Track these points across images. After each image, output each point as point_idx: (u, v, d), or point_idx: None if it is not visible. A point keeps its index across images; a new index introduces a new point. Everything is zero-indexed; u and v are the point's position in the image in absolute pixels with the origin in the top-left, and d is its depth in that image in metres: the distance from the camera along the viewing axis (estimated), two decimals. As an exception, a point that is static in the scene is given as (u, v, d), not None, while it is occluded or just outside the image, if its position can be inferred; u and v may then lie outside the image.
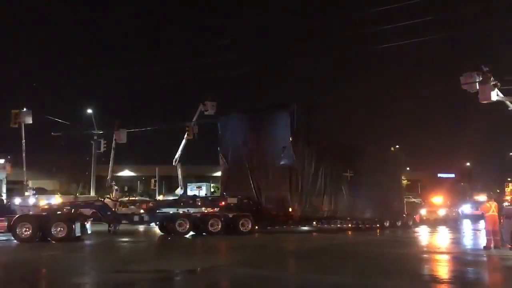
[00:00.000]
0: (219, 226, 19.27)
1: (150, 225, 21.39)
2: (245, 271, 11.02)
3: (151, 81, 53.68)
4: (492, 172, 55.15)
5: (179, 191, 28.32)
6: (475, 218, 30.69)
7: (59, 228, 16.37)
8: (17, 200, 21.16)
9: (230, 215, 19.80)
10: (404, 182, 31.05)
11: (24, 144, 25.26)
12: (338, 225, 23.26)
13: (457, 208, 34.43)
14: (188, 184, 36.51)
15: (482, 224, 20.94)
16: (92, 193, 35.18)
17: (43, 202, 21.62)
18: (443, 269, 12.46)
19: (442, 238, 21.86)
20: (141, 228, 22.64)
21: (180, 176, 28.19)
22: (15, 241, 16.35)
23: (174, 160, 28.00)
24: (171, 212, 20.17)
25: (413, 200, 34.48)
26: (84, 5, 79.30)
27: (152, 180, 44.05)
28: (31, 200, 22.04)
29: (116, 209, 20.36)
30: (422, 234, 23.35)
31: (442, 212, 31.80)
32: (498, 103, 17.03)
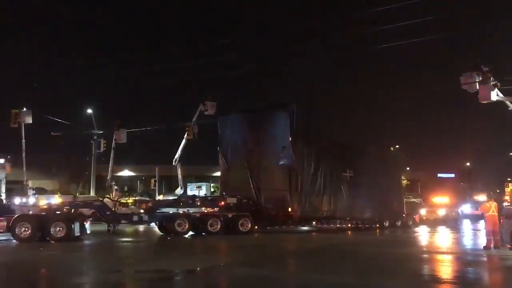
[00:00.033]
0: (219, 226, 19.26)
1: (150, 225, 21.37)
2: (244, 271, 11.01)
3: (151, 81, 53.70)
4: (492, 172, 55.13)
5: (179, 191, 28.30)
6: (475, 218, 30.70)
7: (58, 228, 16.37)
8: (17, 200, 21.14)
9: (230, 215, 19.80)
10: (404, 182, 31.05)
11: (24, 144, 25.25)
12: (338, 225, 23.25)
13: (457, 208, 34.41)
14: (188, 184, 36.51)
15: (482, 224, 20.94)
16: (92, 193, 35.16)
17: (43, 202, 21.59)
18: (443, 269, 12.46)
19: (442, 238, 21.86)
20: (141, 228, 22.63)
21: (180, 176, 28.17)
22: (15, 241, 16.34)
23: (174, 160, 27.99)
24: (170, 212, 20.15)
25: (413, 200, 34.47)
26: (84, 5, 79.29)
27: (152, 180, 44.04)
28: (31, 200, 22.01)
29: (116, 209, 20.33)
30: (422, 234, 23.34)
31: (442, 212, 31.78)
32: (498, 103, 16.99)
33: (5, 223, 16.33)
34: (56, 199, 25.24)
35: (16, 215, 16.72)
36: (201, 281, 10.36)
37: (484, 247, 14.97)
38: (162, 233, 20.17)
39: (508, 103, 16.96)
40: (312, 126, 22.03)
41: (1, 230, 16.47)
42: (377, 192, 23.95)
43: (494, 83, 16.49)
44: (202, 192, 37.58)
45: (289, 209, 20.85)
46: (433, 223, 29.09)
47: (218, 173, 31.11)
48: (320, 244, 18.18)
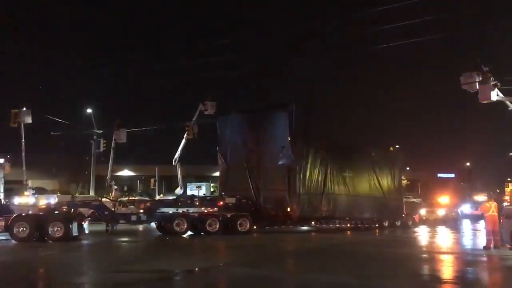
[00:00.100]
0: (217, 226, 19.21)
1: (150, 224, 21.30)
2: (243, 271, 10.98)
3: (151, 81, 53.66)
4: (492, 172, 55.12)
5: (178, 191, 28.24)
6: (474, 218, 30.65)
7: (56, 228, 16.31)
8: (16, 200, 21.11)
9: (228, 215, 19.75)
10: (404, 182, 30.94)
11: (23, 143, 25.16)
12: (337, 225, 23.20)
13: (456, 208, 34.35)
14: (188, 184, 36.46)
15: (481, 224, 20.88)
16: (92, 193, 35.13)
17: (43, 201, 21.55)
18: (442, 269, 12.44)
19: (441, 238, 21.80)
20: (140, 227, 22.57)
21: (179, 176, 28.12)
22: (13, 241, 16.29)
23: (173, 160, 27.93)
24: (169, 212, 20.10)
25: (412, 200, 34.40)
26: (84, 5, 79.34)
27: (152, 180, 44.04)
28: (31, 200, 21.96)
29: (115, 209, 20.27)
30: (422, 234, 23.29)
31: (441, 212, 31.72)
32: (498, 103, 16.95)
33: (3, 222, 16.29)
34: (56, 199, 25.27)
35: (14, 215, 16.66)
36: (200, 281, 10.33)
37: (484, 247, 14.94)
38: (160, 233, 20.12)
39: (508, 103, 16.93)
40: (311, 126, 22.00)
41: (0, 230, 16.42)
42: (376, 192, 23.90)
43: (494, 83, 16.46)
44: (202, 192, 37.53)
45: (288, 209, 20.82)
46: (433, 223, 29.04)
47: (218, 173, 31.04)
48: (319, 244, 18.13)
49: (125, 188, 45.67)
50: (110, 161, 30.50)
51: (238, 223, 19.58)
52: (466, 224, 29.90)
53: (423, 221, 29.42)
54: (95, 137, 35.40)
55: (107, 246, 16.74)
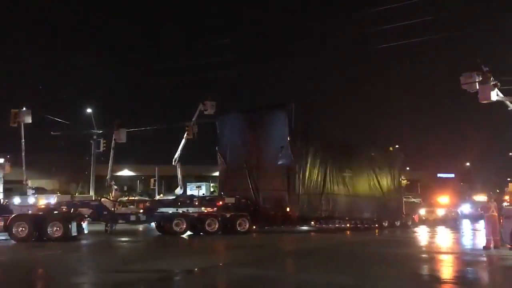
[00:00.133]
0: (216, 226, 19.19)
1: (150, 224, 21.28)
2: (243, 271, 10.95)
3: (151, 81, 53.72)
4: (492, 172, 55.10)
5: (178, 190, 28.23)
6: (474, 218, 30.62)
7: (55, 228, 16.32)
8: (16, 200, 21.09)
9: (228, 215, 19.72)
10: (404, 182, 30.92)
11: (23, 143, 25.13)
12: (337, 225, 23.18)
13: (456, 208, 34.33)
14: (187, 183, 36.43)
15: (481, 224, 20.85)
16: (92, 193, 35.13)
17: (43, 201, 21.54)
18: (442, 269, 12.41)
19: (441, 238, 21.77)
20: (140, 227, 22.55)
21: (179, 176, 28.11)
22: (12, 240, 16.27)
23: (173, 160, 27.93)
24: (168, 212, 20.08)
25: (412, 200, 34.40)
26: (84, 5, 79.38)
27: (152, 180, 44.04)
28: (30, 200, 21.96)
29: (115, 209, 20.24)
30: (421, 234, 23.26)
31: (441, 212, 31.69)
32: (498, 103, 16.93)
33: (2, 222, 16.28)
34: (54, 199, 25.23)
35: (13, 215, 16.66)
36: (200, 281, 10.28)
37: (484, 247, 14.92)
38: (160, 233, 20.10)
39: (508, 103, 16.91)
40: (311, 126, 22.00)
41: (-1, 230, 16.43)
42: (376, 192, 23.88)
43: (494, 83, 16.45)
44: (202, 192, 37.50)
45: (288, 209, 20.80)
46: (433, 223, 29.01)
47: (217, 173, 31.06)
48: (319, 244, 18.11)
49: (125, 188, 45.66)
50: (110, 161, 30.49)
51: (237, 223, 19.56)
52: (465, 224, 29.86)
53: (422, 221, 29.39)
54: (95, 137, 35.39)
55: (106, 246, 16.72)
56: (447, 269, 12.27)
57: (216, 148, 23.96)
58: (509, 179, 43.72)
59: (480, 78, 16.49)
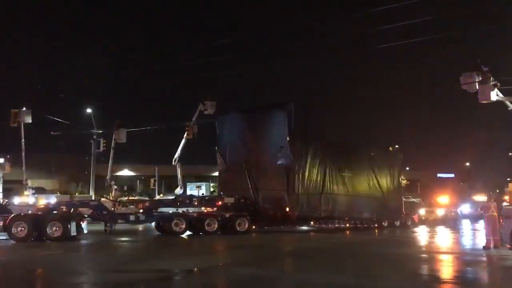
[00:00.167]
0: (216, 226, 19.15)
1: (150, 224, 21.26)
2: (242, 271, 10.93)
3: (151, 81, 53.74)
4: (492, 172, 55.04)
5: (178, 190, 28.23)
6: (474, 218, 30.60)
7: (54, 228, 16.29)
8: (16, 200, 21.10)
9: (227, 215, 19.69)
10: (404, 182, 30.91)
11: (23, 143, 25.15)
12: (336, 225, 23.15)
13: (456, 208, 34.31)
14: (187, 183, 36.43)
15: (481, 224, 20.82)
16: (92, 193, 35.14)
17: (42, 201, 21.55)
18: (442, 269, 12.40)
19: (441, 238, 21.75)
20: (140, 227, 22.52)
21: (179, 176, 28.12)
22: (11, 240, 16.26)
23: (173, 160, 27.94)
24: (167, 211, 20.05)
25: (412, 200, 34.35)
26: (84, 5, 79.41)
27: (152, 180, 44.09)
28: (30, 200, 21.97)
29: (115, 209, 20.22)
30: (421, 234, 23.23)
31: (441, 212, 31.67)
32: (498, 103, 16.92)
33: (2, 222, 16.25)
34: (54, 199, 25.23)
35: (13, 215, 16.63)
36: (200, 281, 10.25)
37: (483, 247, 14.90)
38: (159, 233, 20.07)
39: (508, 103, 16.90)
40: (310, 126, 21.94)
41: (-1, 230, 16.41)
42: (375, 192, 23.85)
43: (494, 83, 16.45)
44: (202, 192, 37.50)
45: (287, 209, 20.77)
46: (432, 223, 28.99)
47: (217, 173, 31.07)
48: (318, 244, 18.08)
49: (125, 188, 45.68)
50: (110, 161, 30.50)
51: (236, 223, 19.52)
52: (465, 224, 29.83)
53: (422, 221, 29.37)
54: (95, 137, 35.42)
55: (106, 246, 16.70)
56: (447, 269, 12.25)
57: (216, 148, 23.94)
58: (509, 179, 43.66)
59: (480, 78, 16.49)
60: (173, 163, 27.96)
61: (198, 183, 41.79)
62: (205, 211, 20.41)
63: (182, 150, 27.78)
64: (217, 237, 18.69)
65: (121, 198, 26.97)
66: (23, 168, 25.42)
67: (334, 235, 21.06)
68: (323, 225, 22.94)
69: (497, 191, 40.83)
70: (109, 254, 14.49)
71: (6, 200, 20.97)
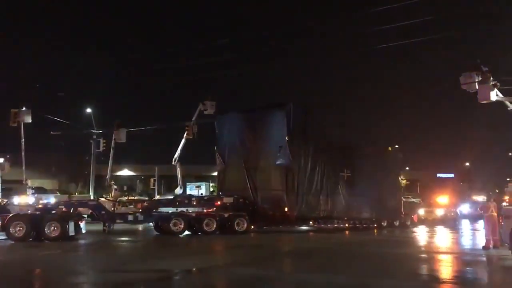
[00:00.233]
0: (214, 226, 19.11)
1: (150, 224, 21.23)
2: (242, 271, 10.92)
3: (151, 81, 53.75)
4: (491, 172, 54.96)
5: (178, 190, 28.22)
6: (474, 218, 30.55)
7: (52, 228, 16.25)
8: (15, 199, 21.08)
9: (226, 215, 19.65)
10: (404, 182, 30.91)
11: (23, 143, 25.14)
12: (335, 225, 23.11)
13: (455, 208, 34.27)
14: (187, 183, 36.40)
15: (480, 224, 20.77)
16: (91, 193, 35.14)
17: (42, 201, 21.54)
18: (441, 269, 12.38)
19: (440, 238, 21.71)
20: (140, 227, 22.50)
21: (179, 176, 28.11)
22: (10, 240, 16.23)
23: (173, 160, 27.94)
24: (166, 211, 20.02)
25: (412, 200, 34.29)
26: (84, 5, 79.45)
27: (151, 180, 44.08)
28: (30, 199, 21.96)
29: (115, 209, 20.20)
30: (420, 234, 23.20)
31: (440, 212, 31.63)
32: (498, 103, 16.88)
33: (0, 222, 16.23)
34: (53, 199, 25.23)
35: (11, 215, 16.61)
36: (199, 281, 10.23)
37: (483, 247, 14.89)
38: (158, 233, 20.04)
39: (507, 103, 16.86)
40: (309, 126, 21.91)
41: (-3, 230, 16.39)
42: (375, 192, 23.81)
43: (493, 83, 16.41)
44: (201, 191, 37.46)
45: (286, 209, 20.72)
46: (432, 223, 28.94)
47: (216, 173, 31.05)
48: (318, 244, 18.06)
49: (125, 188, 45.68)
50: (110, 161, 30.53)
51: (235, 223, 19.48)
52: (465, 224, 29.79)
53: (421, 221, 29.33)
54: (94, 136, 35.43)
55: (104, 245, 16.66)
56: (446, 269, 12.23)
57: (215, 148, 23.91)
58: (508, 179, 43.57)
59: (480, 78, 16.44)
60: (173, 163, 27.96)
61: (198, 183, 41.73)
62: (204, 211, 20.36)
63: (182, 150, 27.78)
64: (216, 237, 18.66)
65: (120, 198, 26.98)
66: (23, 168, 25.42)
67: (333, 235, 21.03)
68: (322, 225, 22.90)
69: (497, 191, 40.74)
70: (108, 254, 14.46)
71: (6, 200, 20.96)
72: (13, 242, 16.01)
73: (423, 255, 14.95)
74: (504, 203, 21.60)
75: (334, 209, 22.39)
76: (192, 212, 19.93)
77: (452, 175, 59.64)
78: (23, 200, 19.90)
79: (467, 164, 63.54)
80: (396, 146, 30.62)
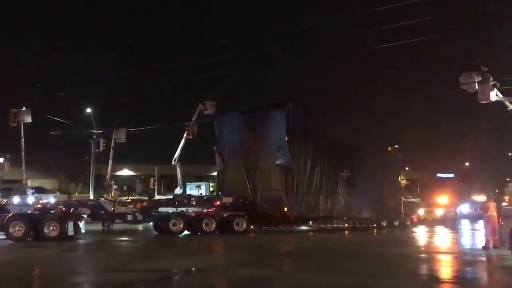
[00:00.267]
0: (214, 226, 19.06)
1: (150, 223, 21.21)
2: (242, 271, 10.91)
3: (151, 81, 53.79)
4: (491, 172, 54.95)
5: (178, 190, 28.23)
6: (473, 218, 30.52)
7: (51, 228, 16.23)
8: (15, 199, 21.09)
9: (225, 215, 19.60)
10: (404, 182, 30.88)
11: (23, 143, 25.17)
12: (335, 225, 23.08)
13: (455, 208, 34.25)
14: (187, 183, 36.43)
15: (480, 224, 20.74)
16: (91, 192, 35.15)
17: (42, 201, 21.54)
18: (441, 269, 12.37)
19: (440, 238, 21.69)
20: (140, 227, 22.49)
21: (179, 176, 28.13)
22: (9, 240, 16.21)
23: (173, 160, 27.96)
24: (165, 211, 19.99)
25: (412, 200, 34.25)
26: (84, 5, 79.45)
27: (151, 179, 44.11)
28: (30, 199, 21.97)
29: (115, 209, 20.19)
30: (420, 234, 23.17)
31: (440, 212, 31.60)
32: (498, 103, 16.86)
33: (-1, 222, 16.22)
34: (52, 199, 25.22)
35: (10, 214, 16.59)
36: (199, 281, 10.21)
37: (483, 247, 14.88)
38: (157, 233, 20.01)
39: (507, 103, 16.85)
40: (309, 126, 21.89)
41: (-4, 229, 16.37)
42: (374, 191, 23.78)
43: (493, 83, 16.39)
44: (201, 191, 37.48)
45: (285, 209, 20.69)
46: (431, 223, 28.91)
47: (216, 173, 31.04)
48: (317, 244, 18.03)
49: (125, 188, 45.70)
50: (110, 161, 30.56)
51: (234, 223, 19.43)
52: (464, 224, 29.76)
53: (421, 221, 29.29)
54: (94, 136, 35.43)
55: (104, 245, 16.63)
56: (446, 269, 12.21)
57: (214, 148, 23.90)
58: (508, 179, 43.53)
59: (480, 78, 16.42)
60: (172, 163, 27.98)
61: (198, 183, 41.74)
62: (203, 211, 20.33)
63: (182, 150, 27.82)
64: (215, 237, 18.63)
65: (120, 198, 26.97)
66: (23, 168, 25.45)
67: (333, 235, 20.99)
68: (321, 225, 22.86)
69: (497, 191, 40.76)
70: (108, 254, 14.45)
71: (6, 200, 20.97)
72: (12, 242, 15.99)
73: (422, 255, 14.93)
74: (504, 203, 21.60)
75: (333, 209, 22.36)
76: (192, 212, 19.89)
77: (452, 175, 59.64)
78: (22, 199, 19.92)
79: (467, 164, 63.55)
80: (396, 146, 30.64)
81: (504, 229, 14.19)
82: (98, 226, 19.15)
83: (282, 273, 11.14)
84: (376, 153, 25.38)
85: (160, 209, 20.47)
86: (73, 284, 9.76)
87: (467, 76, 16.69)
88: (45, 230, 16.18)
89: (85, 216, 18.04)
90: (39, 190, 32.19)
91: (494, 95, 16.45)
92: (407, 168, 42.70)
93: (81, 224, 17.17)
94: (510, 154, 55.73)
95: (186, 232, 19.19)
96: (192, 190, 36.70)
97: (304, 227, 23.18)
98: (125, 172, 54.35)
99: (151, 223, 20.76)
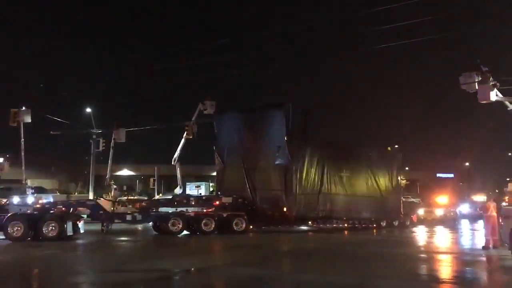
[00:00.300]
0: (213, 226, 19.04)
1: (149, 223, 21.19)
2: (241, 271, 10.90)
3: (151, 81, 53.81)
4: (491, 172, 54.94)
5: (178, 190, 28.22)
6: (473, 218, 30.50)
7: (50, 227, 16.21)
8: (15, 199, 21.05)
9: (224, 215, 19.58)
10: (403, 182, 30.83)
11: (23, 143, 25.12)
12: (334, 225, 23.07)
13: (455, 208, 34.23)
14: (187, 183, 36.42)
15: (480, 224, 20.72)
16: (91, 192, 35.14)
17: (42, 201, 21.52)
18: (441, 269, 12.36)
19: (440, 238, 21.67)
20: (139, 227, 22.47)
21: (179, 176, 28.11)
22: (7, 240, 16.19)
23: (173, 160, 27.95)
24: (165, 211, 19.97)
25: (411, 200, 34.21)
26: (84, 5, 79.47)
27: (151, 179, 44.04)
28: (29, 199, 21.92)
29: (115, 208, 20.17)
30: (420, 234, 23.14)
31: (440, 212, 31.57)
32: (498, 103, 16.85)
33: (-2, 222, 16.19)
34: (51, 199, 25.20)
35: (9, 214, 16.56)
36: (198, 281, 10.20)
37: (483, 247, 14.87)
38: (156, 233, 19.99)
39: (507, 103, 16.85)
40: (308, 126, 21.87)
41: (-6, 229, 16.34)
42: (374, 192, 23.76)
43: (493, 83, 16.40)
44: (201, 191, 37.46)
45: (285, 209, 20.69)
46: (431, 223, 28.89)
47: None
48: (317, 244, 18.03)
49: (125, 188, 45.68)
50: (110, 161, 30.55)
51: (234, 223, 19.41)
52: (464, 224, 29.74)
53: (421, 221, 29.28)
54: (94, 136, 35.42)
55: (103, 245, 16.63)
56: (446, 269, 12.21)
57: (214, 148, 23.89)
58: (508, 179, 43.52)
59: (480, 78, 16.42)
60: (172, 163, 27.96)
61: (198, 183, 41.70)
62: (203, 211, 20.30)
63: (181, 150, 27.81)
64: (214, 237, 18.62)
65: (120, 198, 26.96)
66: (23, 167, 25.40)
67: (332, 235, 20.98)
68: (321, 225, 22.86)
69: (497, 191, 40.70)
70: (107, 254, 14.43)
71: (6, 200, 20.93)
72: (11, 242, 15.97)
73: (422, 255, 14.91)
74: (504, 203, 21.59)
75: (333, 209, 22.34)
76: (191, 212, 19.87)
77: (451, 175, 59.66)
78: (21, 199, 19.87)
79: (467, 164, 63.52)
80: (396, 146, 30.61)
81: (504, 229, 14.17)
82: (97, 226, 19.14)
83: (282, 273, 11.12)
84: (376, 153, 25.35)
85: (160, 209, 20.44)
86: (72, 284, 9.73)
87: (467, 76, 16.69)
88: (44, 230, 16.17)
89: (84, 216, 18.04)
90: (39, 190, 32.14)
91: (494, 95, 16.45)
92: (407, 168, 42.64)
93: (80, 224, 17.16)
94: (510, 154, 55.74)
95: (185, 232, 19.16)
96: (192, 190, 36.68)
97: (303, 227, 23.17)
98: (125, 172, 54.32)
99: (150, 223, 20.75)
